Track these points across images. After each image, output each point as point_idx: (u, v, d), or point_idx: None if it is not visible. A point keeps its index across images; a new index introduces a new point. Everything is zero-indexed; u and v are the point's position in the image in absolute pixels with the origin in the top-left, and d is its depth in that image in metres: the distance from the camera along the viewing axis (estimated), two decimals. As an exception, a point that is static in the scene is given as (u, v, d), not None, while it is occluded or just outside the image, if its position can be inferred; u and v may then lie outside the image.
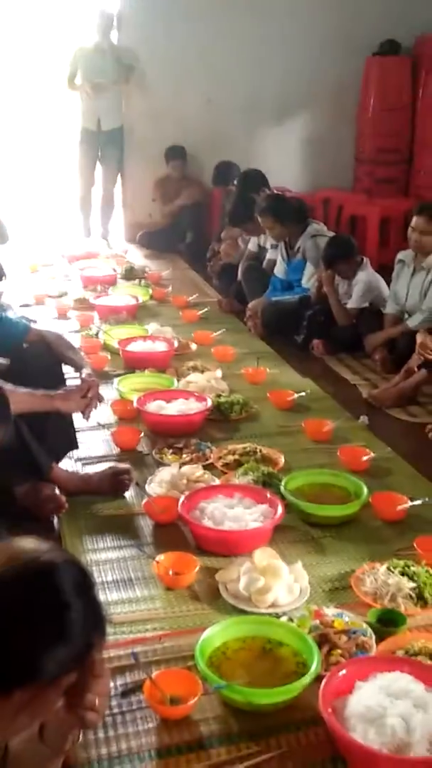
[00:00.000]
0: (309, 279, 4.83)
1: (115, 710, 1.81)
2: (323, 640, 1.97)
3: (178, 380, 3.78)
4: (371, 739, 1.61)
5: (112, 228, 7.37)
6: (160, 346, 4.18)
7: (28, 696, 1.13)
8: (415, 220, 4.10)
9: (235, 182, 5.93)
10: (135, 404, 3.39)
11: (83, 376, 2.92)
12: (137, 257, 6.72)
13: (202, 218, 6.98)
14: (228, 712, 1.81)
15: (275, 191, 5.67)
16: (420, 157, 6.77)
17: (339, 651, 1.95)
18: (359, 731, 1.63)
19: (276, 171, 6.38)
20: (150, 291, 5.44)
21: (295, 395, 3.70)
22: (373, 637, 2.02)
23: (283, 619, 2.09)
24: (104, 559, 2.45)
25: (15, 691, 1.12)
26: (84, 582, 1.21)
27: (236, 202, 5.52)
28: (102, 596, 1.91)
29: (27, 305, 5.08)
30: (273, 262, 5.16)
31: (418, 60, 6.74)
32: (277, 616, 2.12)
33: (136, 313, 4.98)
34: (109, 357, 4.13)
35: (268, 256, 5.24)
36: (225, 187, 6.36)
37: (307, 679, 1.79)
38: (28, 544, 1.20)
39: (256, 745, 1.72)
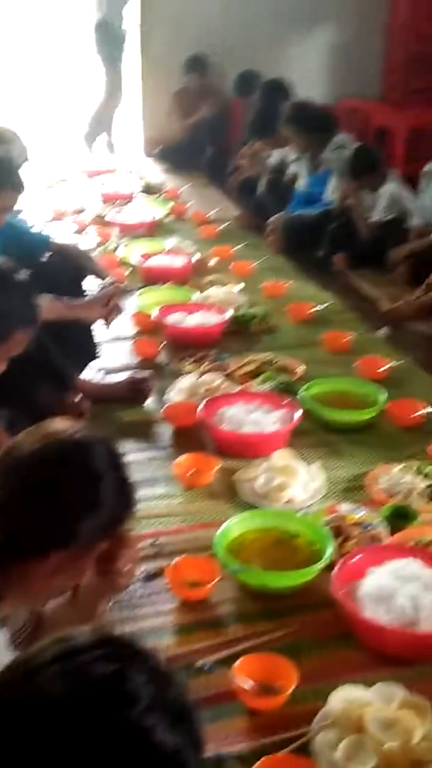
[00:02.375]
0: (333, 191, 4.75)
1: (139, 593, 1.90)
2: (338, 532, 2.04)
3: (198, 294, 3.79)
4: (381, 617, 1.69)
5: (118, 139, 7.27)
6: (179, 261, 4.17)
7: (63, 559, 1.23)
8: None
9: (258, 93, 5.79)
10: (155, 316, 3.42)
11: (104, 284, 2.95)
12: (155, 172, 6.62)
13: (222, 131, 6.81)
14: (245, 595, 1.90)
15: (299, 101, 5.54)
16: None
17: (353, 541, 2.02)
18: (370, 610, 1.71)
19: (301, 81, 6.15)
20: (169, 206, 5.39)
21: (315, 308, 3.70)
22: (387, 529, 2.09)
23: (299, 514, 2.16)
24: (126, 461, 2.52)
25: (52, 554, 1.21)
26: (114, 458, 1.30)
27: (258, 113, 5.40)
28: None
29: (46, 221, 5.06)
30: (295, 176, 5.08)
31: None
32: (294, 512, 2.19)
33: (155, 229, 4.95)
34: (127, 272, 4.14)
35: (291, 169, 5.15)
36: (247, 97, 6.19)
37: (321, 564, 1.87)
38: (62, 424, 1.29)
39: (271, 623, 1.80)
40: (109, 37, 6.91)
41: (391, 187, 4.42)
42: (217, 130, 6.74)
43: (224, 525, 2.04)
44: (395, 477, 2.31)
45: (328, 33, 6.88)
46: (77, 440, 1.28)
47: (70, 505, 1.23)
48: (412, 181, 4.61)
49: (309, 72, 6.75)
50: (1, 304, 1.92)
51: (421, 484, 2.26)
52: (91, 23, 7.05)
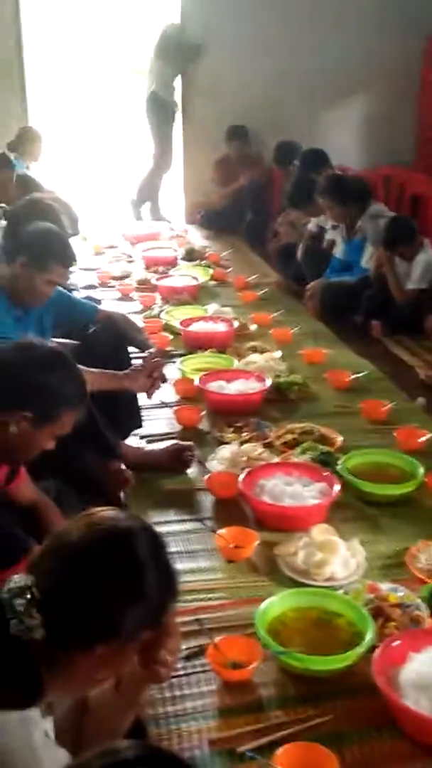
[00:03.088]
0: (369, 259, 4.85)
1: (180, 672, 1.93)
2: (378, 613, 2.06)
3: (239, 360, 3.87)
4: (423, 706, 1.69)
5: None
6: (221, 327, 4.27)
7: (108, 652, 1.25)
8: None
9: (296, 162, 5.96)
10: (197, 383, 3.50)
11: (149, 356, 3.04)
12: (197, 238, 6.81)
13: (262, 198, 7.01)
14: (286, 678, 1.92)
15: (336, 170, 5.69)
16: None
17: (393, 623, 2.03)
18: (411, 698, 1.72)
19: (337, 149, 6.38)
20: (210, 271, 5.53)
21: (353, 375, 3.75)
22: (427, 611, 2.09)
23: (339, 592, 2.18)
24: (168, 531, 2.55)
25: (97, 647, 1.24)
26: (157, 546, 1.33)
27: (297, 183, 5.55)
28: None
29: (92, 286, 5.22)
30: (333, 243, 5.19)
31: None
32: (334, 589, 2.20)
33: (197, 294, 5.07)
34: (171, 337, 4.24)
35: (328, 236, 5.27)
36: (286, 166, 6.37)
37: (362, 648, 1.88)
38: (107, 512, 1.33)
39: (313, 708, 1.82)
40: (158, 108, 7.18)
41: (426, 256, 4.50)
42: (257, 197, 6.94)
43: (265, 603, 2.06)
44: (436, 555, 2.32)
45: (362, 104, 7.09)
46: (122, 529, 1.30)
47: (115, 597, 1.24)
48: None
49: (345, 141, 6.96)
50: (51, 388, 1.99)
51: (461, 563, 2.27)
52: (143, 95, 7.34)
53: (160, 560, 1.33)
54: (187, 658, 1.97)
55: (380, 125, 7.10)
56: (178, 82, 7.20)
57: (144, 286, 5.21)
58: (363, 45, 6.85)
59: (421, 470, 2.80)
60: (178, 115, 7.31)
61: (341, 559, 2.31)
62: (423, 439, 3.12)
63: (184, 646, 1.99)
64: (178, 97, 7.25)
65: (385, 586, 2.19)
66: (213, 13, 6.80)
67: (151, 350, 3.12)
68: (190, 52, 6.93)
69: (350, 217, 4.96)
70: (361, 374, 3.79)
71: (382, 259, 4.61)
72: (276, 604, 2.08)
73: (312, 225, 5.50)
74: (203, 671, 1.94)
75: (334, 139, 6.74)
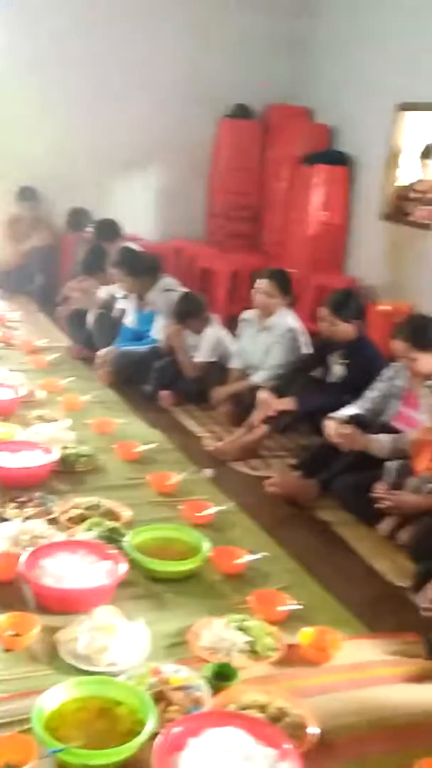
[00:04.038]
0: (159, 331, 4.95)
1: None
2: (160, 697, 2.03)
3: (24, 430, 3.75)
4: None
5: None
6: (6, 394, 4.13)
7: None
8: (258, 282, 4.35)
9: (88, 228, 6.01)
10: (-24, 455, 3.34)
11: None
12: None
13: (53, 261, 6.97)
14: (64, 776, 1.83)
15: (129, 241, 5.81)
16: (267, 216, 7.14)
17: (175, 707, 2.01)
18: (191, 788, 1.70)
19: (130, 219, 6.55)
20: (-3, 333, 5.37)
21: (142, 447, 3.78)
22: (209, 691, 2.10)
23: (122, 677, 2.13)
24: None
25: None
26: None
27: (90, 251, 5.60)
28: None
29: None
30: (123, 312, 5.25)
31: (266, 126, 7.15)
32: (117, 674, 2.15)
33: (-18, 357, 4.90)
34: None
35: (119, 305, 5.33)
36: (78, 232, 6.41)
37: (141, 738, 1.84)
38: None
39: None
40: None
41: (213, 331, 4.68)
42: (48, 260, 6.89)
43: (43, 696, 1.97)
44: (217, 632, 2.34)
45: (157, 177, 7.34)
46: None
47: None
48: (233, 318, 4.91)
49: (139, 212, 7.15)
50: None
51: (241, 640, 2.31)
52: None
53: None
54: None
55: (174, 199, 7.38)
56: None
57: None
58: (160, 121, 7.12)
59: (206, 545, 2.85)
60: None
61: (124, 642, 2.26)
62: (208, 512, 3.19)
63: None
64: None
65: (168, 668, 2.17)
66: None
67: None
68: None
69: (141, 288, 5.07)
70: (150, 446, 3.82)
71: (172, 332, 4.72)
72: (55, 695, 1.99)
73: (104, 293, 5.54)
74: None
75: (128, 208, 6.91)
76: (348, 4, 6.60)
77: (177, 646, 2.38)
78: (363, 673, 2.32)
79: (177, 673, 2.14)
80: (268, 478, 3.61)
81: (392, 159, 6.11)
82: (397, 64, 5.96)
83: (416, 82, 5.75)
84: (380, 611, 2.72)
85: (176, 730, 1.86)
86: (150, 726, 1.88)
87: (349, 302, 3.98)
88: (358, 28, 6.45)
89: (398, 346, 3.39)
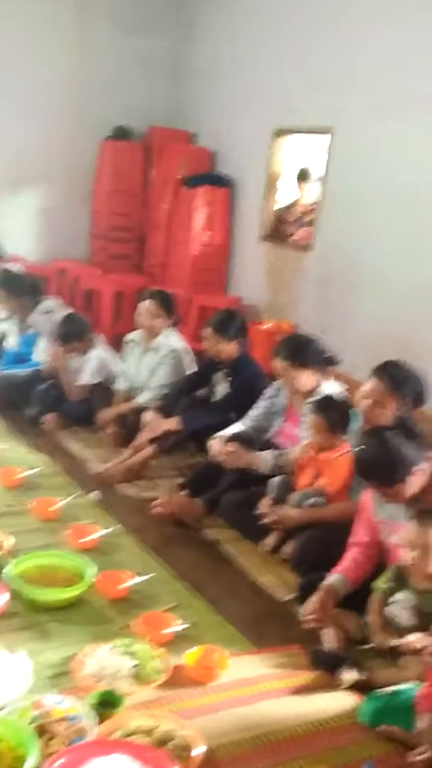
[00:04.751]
0: (42, 353, 4.86)
1: None
2: (42, 731, 1.98)
3: None
4: None
5: None
6: None
7: None
8: (142, 303, 4.35)
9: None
10: None
11: None
12: None
13: None
14: None
15: (10, 261, 5.69)
16: (151, 238, 7.17)
17: (58, 739, 1.96)
18: None
19: (12, 240, 6.42)
20: None
21: (24, 472, 3.69)
22: (95, 720, 2.06)
23: (3, 712, 2.06)
24: None
25: None
26: None
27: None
28: None
29: None
30: (4, 334, 5.13)
31: (148, 148, 7.20)
32: (-2, 710, 2.08)
33: None
34: None
35: (1, 327, 5.20)
36: None
37: (23, 776, 1.79)
38: None
39: None
40: None
41: (97, 352, 4.63)
42: None
43: None
44: (102, 659, 2.31)
45: (40, 197, 7.23)
46: None
47: None
48: (118, 338, 4.88)
49: (21, 232, 7.01)
50: None
51: (127, 664, 2.29)
52: None
53: None
54: None
55: (57, 220, 7.29)
56: None
57: None
58: (41, 142, 7.03)
59: (91, 570, 2.81)
60: None
61: (5, 676, 2.19)
62: (94, 536, 3.15)
63: None
64: None
65: (51, 700, 2.12)
66: None
67: None
68: None
69: (22, 310, 4.97)
70: (33, 470, 3.73)
71: (55, 354, 4.64)
72: None
73: (-16, 316, 5.39)
74: None
75: (9, 227, 6.77)
76: (225, 31, 6.76)
77: (61, 675, 2.33)
78: (249, 689, 2.34)
79: (60, 704, 2.09)
80: (155, 499, 3.60)
81: (271, 182, 6.28)
82: (272, 90, 6.16)
83: (290, 108, 5.95)
84: (266, 626, 2.76)
85: (58, 763, 1.81)
86: (31, 762, 1.82)
87: (232, 322, 4.05)
88: (235, 53, 6.62)
89: (278, 364, 3.47)
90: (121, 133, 7.14)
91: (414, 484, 2.49)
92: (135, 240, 7.29)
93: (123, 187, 7.12)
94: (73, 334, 4.58)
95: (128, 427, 4.29)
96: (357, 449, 2.58)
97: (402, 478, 2.47)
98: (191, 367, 4.40)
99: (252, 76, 6.41)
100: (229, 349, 4.01)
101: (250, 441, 3.58)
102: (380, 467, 2.50)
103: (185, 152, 7.01)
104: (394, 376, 3.04)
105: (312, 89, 5.75)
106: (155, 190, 7.10)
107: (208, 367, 4.19)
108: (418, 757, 2.06)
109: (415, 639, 2.31)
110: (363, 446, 2.54)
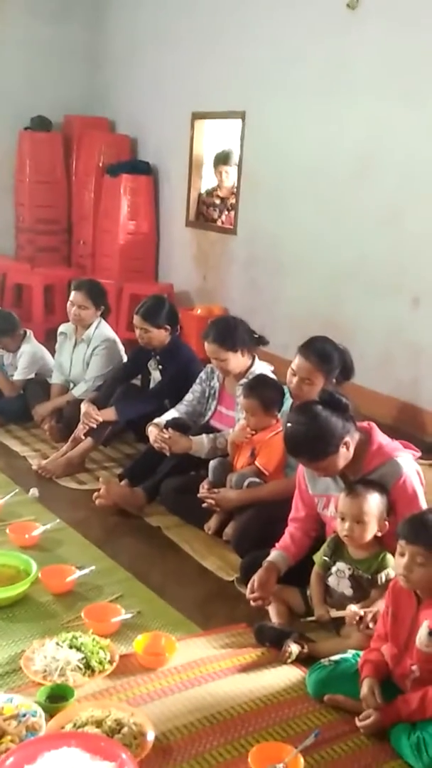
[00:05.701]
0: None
1: None
2: (-7, 731, 1.98)
3: None
4: None
5: None
6: None
7: None
8: (73, 294, 4.32)
9: None
10: None
11: None
12: None
13: None
14: None
15: None
16: (77, 229, 7.10)
17: (9, 737, 1.97)
18: None
19: None
20: None
21: (-38, 475, 3.65)
22: (43, 715, 2.07)
23: None
24: None
25: None
26: None
27: None
28: None
29: None
30: None
31: (68, 137, 7.11)
32: None
33: None
34: None
35: None
36: None
37: (-27, 777, 1.79)
38: None
39: None
40: None
41: (29, 347, 4.59)
42: None
43: None
44: (49, 654, 2.32)
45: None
46: None
47: None
48: (51, 332, 4.83)
49: None
50: None
51: (75, 657, 2.30)
52: None
53: None
54: None
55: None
56: None
57: None
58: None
59: (34, 566, 2.80)
60: None
61: None
62: (35, 533, 3.14)
63: None
64: None
65: (1, 698, 2.12)
66: None
67: None
68: None
69: None
70: (-30, 472, 3.70)
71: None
72: None
73: None
74: None
75: None
76: (139, 16, 6.71)
77: (11, 674, 2.33)
78: (197, 671, 2.38)
79: (10, 701, 2.10)
80: (96, 491, 3.60)
81: (194, 167, 6.28)
82: (188, 75, 6.15)
83: (206, 92, 5.96)
84: (212, 608, 2.81)
85: (10, 761, 1.82)
86: (-18, 763, 1.83)
87: (161, 309, 4.04)
88: (150, 39, 6.58)
89: (208, 348, 3.50)
90: (40, 123, 7.04)
91: (343, 456, 2.53)
92: (62, 232, 7.21)
93: (45, 179, 7.03)
94: (2, 331, 4.52)
95: (65, 420, 4.27)
96: (286, 427, 2.61)
97: (332, 452, 2.50)
98: (124, 357, 4.39)
99: (167, 61, 6.38)
100: (159, 336, 4.01)
101: (185, 426, 3.61)
102: (308, 443, 2.50)
103: (105, 140, 6.96)
104: (320, 352, 3.09)
105: (226, 73, 5.78)
106: (78, 180, 7.03)
107: (140, 355, 4.19)
108: (364, 722, 2.13)
109: (353, 611, 2.38)
110: (290, 423, 2.56)
